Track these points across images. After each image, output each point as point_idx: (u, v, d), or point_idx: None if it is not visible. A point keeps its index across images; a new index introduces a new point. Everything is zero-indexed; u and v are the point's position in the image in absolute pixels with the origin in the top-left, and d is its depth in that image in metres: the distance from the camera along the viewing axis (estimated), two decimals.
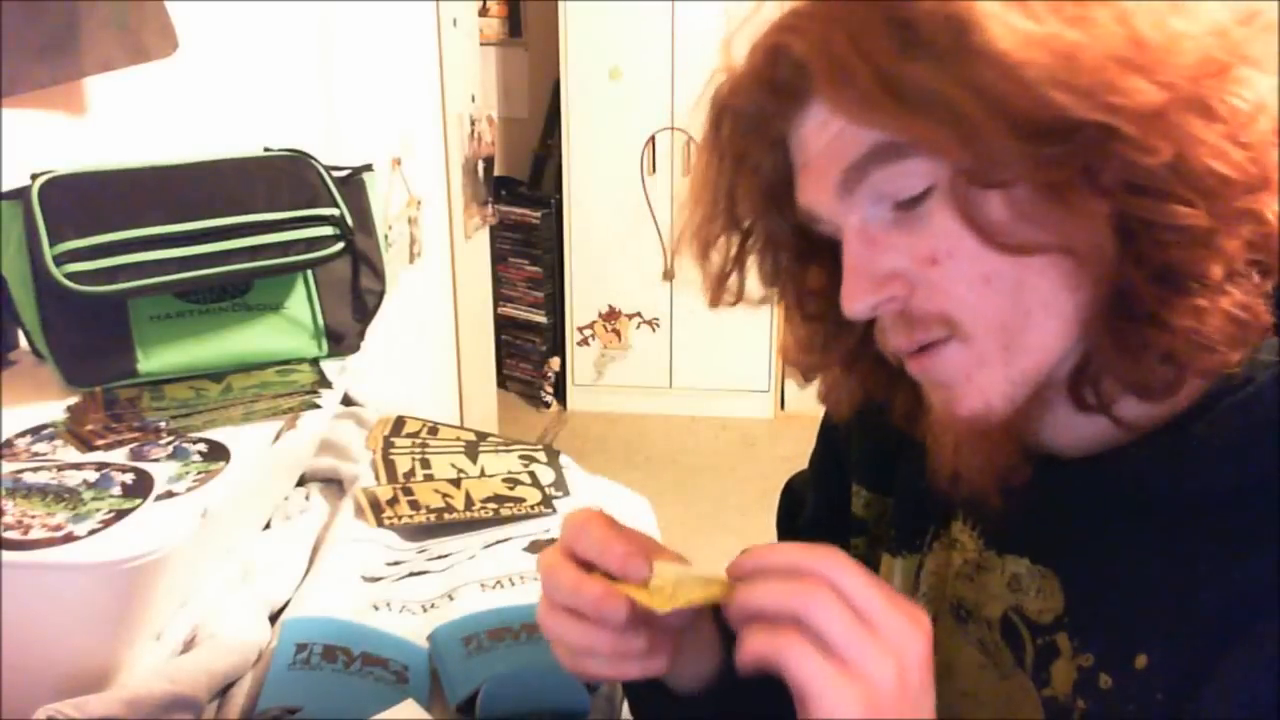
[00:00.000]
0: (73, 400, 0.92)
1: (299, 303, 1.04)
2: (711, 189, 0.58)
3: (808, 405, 3.64)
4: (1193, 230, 0.44)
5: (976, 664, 0.62)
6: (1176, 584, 0.50)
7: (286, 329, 1.03)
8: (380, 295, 1.12)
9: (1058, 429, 0.56)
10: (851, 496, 0.73)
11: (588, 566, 0.55)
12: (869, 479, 0.72)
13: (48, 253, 0.87)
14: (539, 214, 3.67)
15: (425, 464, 1.21)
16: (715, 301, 0.62)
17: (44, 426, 0.87)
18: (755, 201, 0.58)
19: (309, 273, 1.04)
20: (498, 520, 1.10)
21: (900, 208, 0.50)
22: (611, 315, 3.67)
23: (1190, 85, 0.43)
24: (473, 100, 2.84)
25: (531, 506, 1.13)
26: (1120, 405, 0.52)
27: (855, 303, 0.52)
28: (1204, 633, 0.49)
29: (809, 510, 0.79)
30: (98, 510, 0.74)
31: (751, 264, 0.62)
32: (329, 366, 1.04)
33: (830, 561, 0.47)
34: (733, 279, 0.61)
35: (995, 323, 0.49)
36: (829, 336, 0.62)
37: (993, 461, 0.53)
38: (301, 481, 1.18)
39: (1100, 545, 0.55)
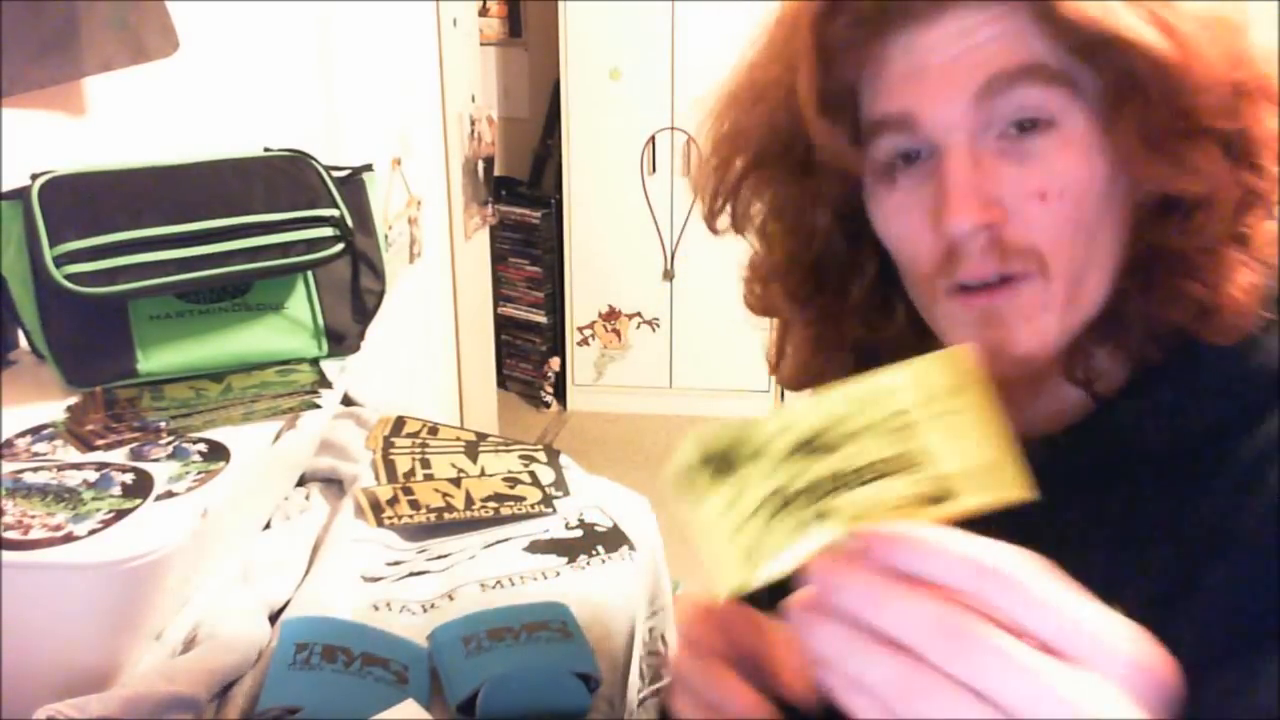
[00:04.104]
0: (73, 400, 0.92)
1: (299, 303, 1.04)
2: (777, 83, 0.56)
3: None
4: (1226, 208, 0.49)
5: None
6: (1136, 537, 0.52)
7: (286, 329, 1.03)
8: (380, 295, 1.12)
9: (1023, 409, 0.57)
10: None
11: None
12: None
13: (48, 254, 0.87)
14: (539, 214, 3.67)
15: (425, 464, 1.21)
16: (713, 224, 0.63)
17: (44, 426, 0.87)
18: (818, 108, 0.55)
19: (309, 273, 1.04)
20: (498, 520, 1.10)
21: (1020, 132, 0.51)
22: (611, 315, 3.66)
23: None
24: (473, 100, 2.84)
25: (532, 506, 1.13)
26: (1102, 380, 0.54)
27: (963, 216, 0.50)
28: (1163, 578, 0.51)
29: None
30: (98, 510, 0.74)
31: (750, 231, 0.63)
32: (329, 366, 1.04)
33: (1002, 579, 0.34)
34: (736, 212, 0.62)
35: (1072, 270, 0.51)
36: (822, 286, 0.62)
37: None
38: (301, 481, 1.18)
39: (1065, 516, 0.55)
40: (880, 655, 0.33)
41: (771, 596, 0.40)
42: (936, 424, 0.36)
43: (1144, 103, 0.48)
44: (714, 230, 0.64)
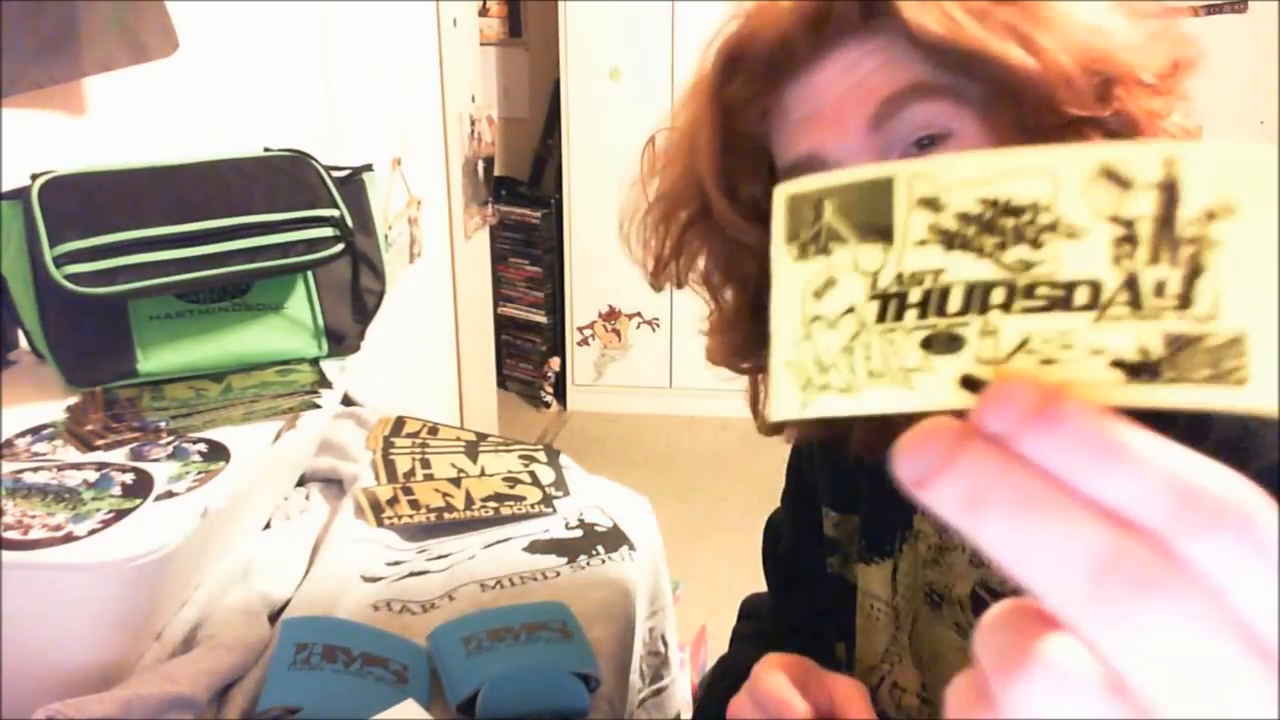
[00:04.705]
0: (73, 400, 0.92)
1: (299, 303, 1.04)
2: (698, 148, 0.60)
3: None
4: None
5: (956, 647, 0.63)
6: None
7: (286, 329, 1.03)
8: (380, 295, 1.12)
9: None
10: (822, 521, 0.76)
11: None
12: (836, 501, 0.75)
13: (48, 254, 0.87)
14: (539, 214, 3.67)
15: (425, 464, 1.21)
16: (659, 285, 0.66)
17: (44, 426, 0.87)
18: (734, 172, 0.59)
19: (309, 273, 1.04)
20: (498, 519, 1.10)
21: (921, 149, 0.53)
22: (611, 315, 3.66)
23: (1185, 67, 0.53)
24: (473, 100, 2.84)
25: (532, 505, 1.13)
26: None
27: None
28: None
29: (785, 541, 0.82)
30: (98, 510, 0.74)
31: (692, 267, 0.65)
32: (329, 366, 1.04)
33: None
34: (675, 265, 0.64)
35: None
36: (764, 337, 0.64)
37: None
38: (301, 481, 1.18)
39: None
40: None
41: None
42: (1218, 250, 0.21)
43: (1016, 104, 0.50)
44: (657, 288, 0.67)
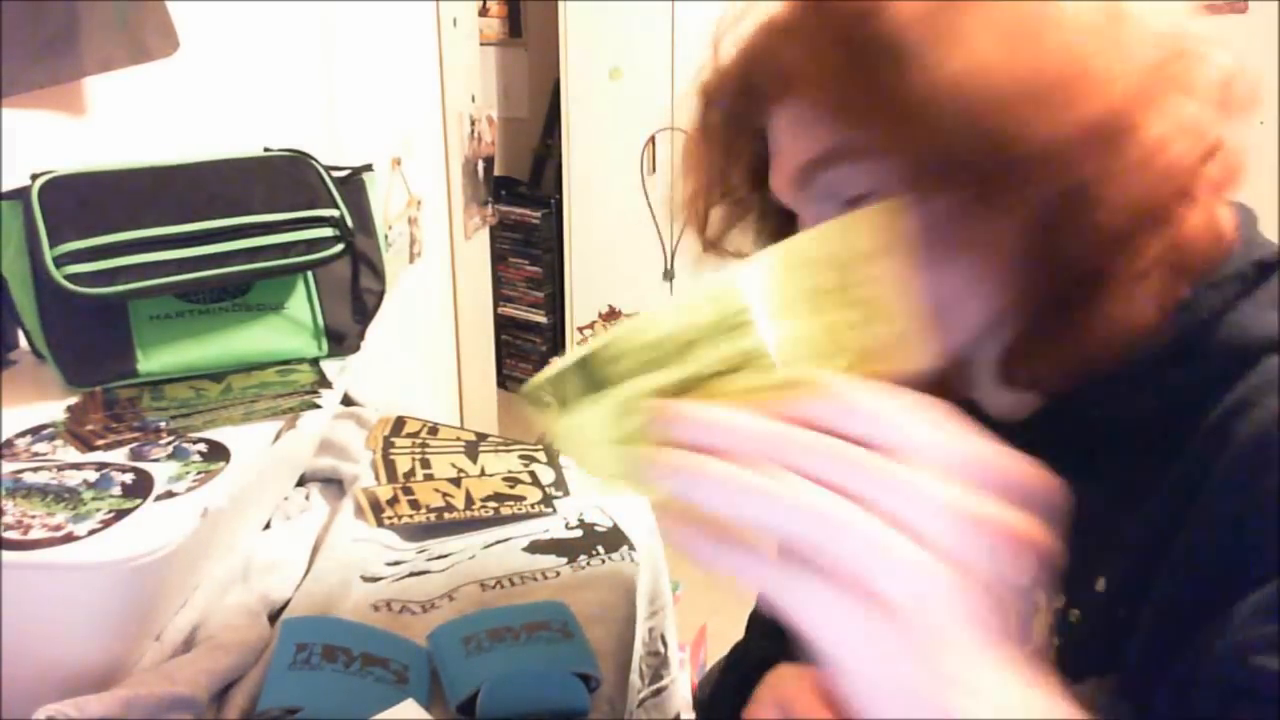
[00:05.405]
0: (73, 400, 0.92)
1: (299, 303, 1.04)
2: (700, 166, 0.64)
3: None
4: (1103, 236, 0.49)
5: None
6: (1117, 507, 0.53)
7: (286, 329, 1.03)
8: (380, 295, 1.12)
9: (989, 399, 0.60)
10: None
11: None
12: None
13: (48, 254, 0.87)
14: (539, 214, 3.67)
15: (425, 464, 1.21)
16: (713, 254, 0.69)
17: (44, 426, 0.87)
18: (744, 178, 0.64)
19: (309, 273, 1.04)
20: (498, 519, 1.10)
21: (848, 205, 0.53)
22: (611, 315, 3.66)
23: (1114, 117, 0.47)
24: (473, 100, 2.84)
25: (532, 505, 1.13)
26: (1048, 381, 0.55)
27: None
28: (1146, 543, 0.52)
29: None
30: (98, 510, 0.74)
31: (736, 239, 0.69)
32: (329, 366, 1.04)
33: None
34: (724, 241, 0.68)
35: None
36: None
37: None
38: (301, 481, 1.18)
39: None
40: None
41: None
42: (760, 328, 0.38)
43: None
44: (712, 251, 0.70)
